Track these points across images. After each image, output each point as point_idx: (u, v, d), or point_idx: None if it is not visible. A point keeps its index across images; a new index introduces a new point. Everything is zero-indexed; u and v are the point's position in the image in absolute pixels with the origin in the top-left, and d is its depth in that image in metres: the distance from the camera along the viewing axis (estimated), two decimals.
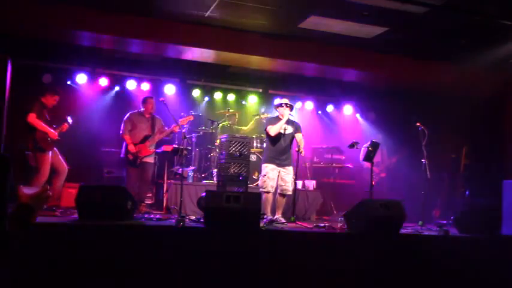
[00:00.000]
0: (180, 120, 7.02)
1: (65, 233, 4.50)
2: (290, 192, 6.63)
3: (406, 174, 8.97)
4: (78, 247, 4.38)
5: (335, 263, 5.10)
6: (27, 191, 1.85)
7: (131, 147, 6.86)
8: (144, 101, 7.22)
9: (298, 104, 9.95)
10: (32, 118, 6.35)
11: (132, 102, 8.73)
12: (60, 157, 6.67)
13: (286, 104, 6.71)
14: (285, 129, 6.68)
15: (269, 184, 6.50)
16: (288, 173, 6.63)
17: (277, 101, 7.01)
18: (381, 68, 8.56)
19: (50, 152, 6.47)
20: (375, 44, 7.92)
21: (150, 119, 7.18)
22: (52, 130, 6.48)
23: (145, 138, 7.02)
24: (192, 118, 7.38)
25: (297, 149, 6.61)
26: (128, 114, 7.16)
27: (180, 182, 6.31)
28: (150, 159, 7.13)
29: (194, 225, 5.48)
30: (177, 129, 7.14)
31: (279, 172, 6.60)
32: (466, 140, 8.94)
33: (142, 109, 7.21)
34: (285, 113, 6.62)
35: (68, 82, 8.70)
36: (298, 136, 6.69)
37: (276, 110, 6.89)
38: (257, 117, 8.86)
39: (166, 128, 7.28)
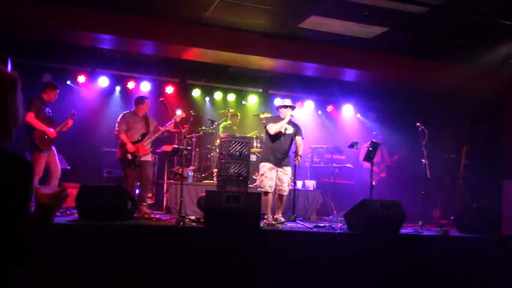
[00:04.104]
0: (173, 119, 6.96)
1: (65, 233, 4.50)
2: (286, 193, 6.60)
3: (406, 174, 8.98)
4: (78, 247, 4.38)
5: (335, 263, 5.10)
6: (45, 191, 1.85)
7: (129, 147, 6.84)
8: (141, 101, 7.16)
9: (298, 104, 9.95)
10: (30, 117, 6.34)
11: (132, 102, 8.72)
12: (56, 158, 6.65)
13: (289, 106, 6.67)
14: (285, 129, 6.65)
15: (267, 184, 6.46)
16: (286, 173, 6.60)
17: (278, 101, 6.97)
18: (380, 68, 8.56)
19: (47, 152, 6.47)
20: (375, 44, 7.91)
21: (144, 118, 7.18)
22: (50, 129, 6.47)
23: (142, 137, 7.03)
24: (184, 115, 7.35)
25: (294, 158, 6.60)
26: (121, 115, 7.12)
27: (180, 182, 6.31)
28: (148, 158, 7.13)
29: (194, 225, 5.48)
30: (171, 127, 7.16)
31: (277, 171, 6.57)
32: (466, 140, 8.94)
33: (134, 109, 7.18)
34: (287, 114, 6.59)
35: (68, 82, 8.71)
36: (298, 139, 6.67)
37: (278, 110, 6.86)
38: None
39: (160, 128, 7.29)
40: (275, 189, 6.57)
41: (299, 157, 6.65)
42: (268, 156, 6.62)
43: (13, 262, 1.61)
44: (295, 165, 6.67)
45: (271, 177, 6.50)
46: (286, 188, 6.57)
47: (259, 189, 6.52)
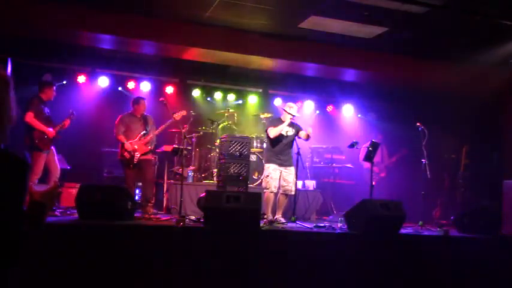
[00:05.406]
0: (173, 116, 6.95)
1: (65, 233, 4.50)
2: (292, 192, 6.66)
3: (406, 174, 8.98)
4: (78, 247, 4.38)
5: (335, 263, 5.10)
6: (38, 188, 1.86)
7: (127, 145, 6.86)
8: (137, 102, 7.19)
9: (298, 104, 9.92)
10: (30, 117, 6.34)
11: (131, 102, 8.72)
12: (55, 158, 6.65)
13: (292, 115, 6.68)
14: (286, 132, 6.72)
15: (272, 184, 6.54)
16: (290, 173, 6.66)
17: (286, 104, 6.97)
18: (380, 68, 8.56)
19: (46, 152, 6.47)
20: (375, 44, 7.91)
21: (142, 118, 7.19)
22: (49, 128, 6.47)
23: (141, 137, 7.04)
24: (185, 113, 7.33)
25: (303, 137, 6.64)
26: (119, 117, 7.14)
27: (180, 182, 6.31)
28: (149, 157, 7.13)
29: (194, 225, 5.48)
30: (159, 131, 7.17)
31: (281, 172, 6.62)
32: (466, 140, 8.93)
33: (132, 110, 7.19)
34: (287, 118, 6.65)
35: (68, 82, 8.69)
36: (303, 133, 6.72)
37: (282, 110, 6.88)
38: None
39: (156, 127, 7.28)
40: (278, 189, 6.62)
41: (310, 130, 6.65)
42: (271, 157, 6.71)
43: (3, 262, 1.59)
44: (297, 164, 6.66)
45: (276, 178, 6.59)
46: (292, 188, 6.63)
47: (265, 190, 6.59)
